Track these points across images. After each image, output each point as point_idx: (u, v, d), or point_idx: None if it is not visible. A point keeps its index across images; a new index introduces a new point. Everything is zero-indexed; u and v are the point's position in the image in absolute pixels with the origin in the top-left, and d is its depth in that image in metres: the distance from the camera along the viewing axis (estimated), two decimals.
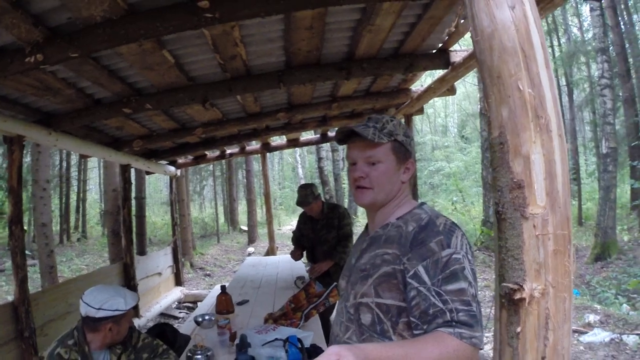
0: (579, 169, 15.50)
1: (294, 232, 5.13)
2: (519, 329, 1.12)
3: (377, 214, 1.56)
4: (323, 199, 5.39)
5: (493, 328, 1.42)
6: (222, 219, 23.65)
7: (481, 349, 1.27)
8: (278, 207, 30.12)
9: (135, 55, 3.13)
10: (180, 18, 2.46)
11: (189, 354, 2.77)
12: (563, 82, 15.52)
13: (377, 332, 1.39)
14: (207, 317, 3.67)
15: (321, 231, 4.69)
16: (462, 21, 3.52)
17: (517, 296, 1.11)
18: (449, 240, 1.35)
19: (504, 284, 1.13)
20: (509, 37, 1.13)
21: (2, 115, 3.71)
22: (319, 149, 17.90)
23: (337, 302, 1.74)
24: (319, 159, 18.05)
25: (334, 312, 1.79)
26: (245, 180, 24.41)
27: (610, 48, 11.40)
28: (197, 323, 3.70)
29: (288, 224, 22.63)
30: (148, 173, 8.53)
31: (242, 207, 25.50)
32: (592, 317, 5.58)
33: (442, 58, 4.17)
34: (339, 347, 1.12)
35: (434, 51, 4.18)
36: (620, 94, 11.81)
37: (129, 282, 6.50)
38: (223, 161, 17.73)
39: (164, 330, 4.09)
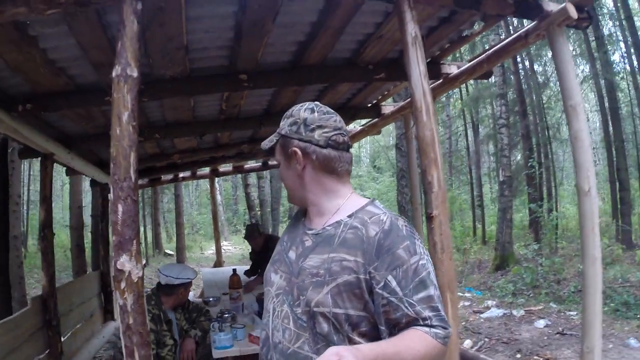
0: (482, 195, 17.83)
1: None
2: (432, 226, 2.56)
3: (311, 210, 1.53)
4: (259, 229, 6.75)
5: None
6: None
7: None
8: (197, 232, 30.85)
9: (171, 101, 4.39)
10: (226, 84, 3.81)
11: (219, 314, 4.07)
12: (469, 119, 18.15)
13: (334, 342, 1.32)
14: (212, 298, 5.08)
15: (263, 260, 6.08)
16: (392, 87, 5.22)
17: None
18: (414, 245, 1.34)
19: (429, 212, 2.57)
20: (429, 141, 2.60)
21: (41, 135, 4.72)
22: (245, 177, 19.07)
23: (268, 300, 1.51)
24: (246, 185, 19.10)
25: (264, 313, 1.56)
26: (168, 205, 25.35)
27: (510, 92, 13.68)
28: (206, 303, 4.96)
29: (209, 248, 23.42)
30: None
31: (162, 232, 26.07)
32: (490, 302, 7.30)
33: (375, 110, 5.94)
34: (339, 348, 1.15)
35: (369, 105, 5.85)
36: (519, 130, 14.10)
37: (106, 288, 7.42)
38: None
39: None
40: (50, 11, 2.49)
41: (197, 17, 3.04)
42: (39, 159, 5.10)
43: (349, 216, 1.42)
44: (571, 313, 6.80)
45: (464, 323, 6.70)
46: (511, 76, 13.46)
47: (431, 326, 1.28)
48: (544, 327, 6.31)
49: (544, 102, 15.20)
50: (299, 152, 1.45)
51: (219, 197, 32.59)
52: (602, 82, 12.89)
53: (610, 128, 12.90)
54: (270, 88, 4.44)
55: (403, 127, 11.78)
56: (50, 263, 5.00)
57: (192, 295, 7.00)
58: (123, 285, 2.00)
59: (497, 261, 11.62)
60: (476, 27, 4.16)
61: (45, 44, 3.19)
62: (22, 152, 5.50)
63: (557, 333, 6.10)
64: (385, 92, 5.57)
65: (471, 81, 19.32)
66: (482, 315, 6.91)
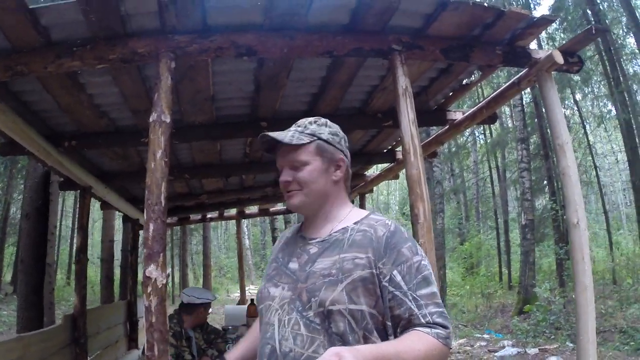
0: (509, 240, 17.87)
1: None
2: None
3: (319, 217, 1.58)
4: None
5: None
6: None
7: (450, 349, 1.36)
8: (224, 275, 31.32)
9: (199, 144, 4.94)
10: (248, 130, 4.36)
11: (234, 338, 4.53)
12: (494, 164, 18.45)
13: (349, 342, 1.34)
14: (230, 327, 5.58)
15: None
16: None
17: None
18: (416, 247, 1.47)
19: None
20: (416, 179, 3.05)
21: (82, 169, 5.31)
22: (273, 222, 19.66)
23: (271, 314, 1.49)
24: (273, 230, 19.67)
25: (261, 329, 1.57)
26: (196, 247, 26.14)
27: (536, 135, 13.97)
28: (225, 330, 5.39)
29: (235, 291, 23.84)
30: (141, 228, 10.03)
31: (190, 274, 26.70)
32: (506, 342, 7.50)
33: (390, 155, 6.33)
34: (339, 348, 1.15)
35: (385, 150, 6.27)
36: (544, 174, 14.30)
37: (132, 317, 7.90)
38: (177, 228, 19.39)
39: None
40: (100, 66, 3.09)
41: (221, 72, 3.61)
42: (73, 193, 5.69)
43: (355, 223, 1.53)
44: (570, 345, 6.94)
45: None
46: (535, 119, 13.80)
47: (432, 326, 1.33)
48: None
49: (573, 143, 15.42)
50: (345, 164, 1.62)
51: (247, 242, 33.27)
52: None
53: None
54: None
55: (426, 172, 12.29)
56: (83, 285, 5.52)
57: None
58: (149, 289, 2.51)
59: (519, 304, 11.70)
60: (475, 76, 4.62)
61: (92, 91, 3.80)
62: (62, 185, 6.14)
63: None
64: (399, 138, 6.02)
65: (495, 126, 19.78)
66: (496, 354, 7.10)
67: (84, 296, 5.52)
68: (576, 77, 15.68)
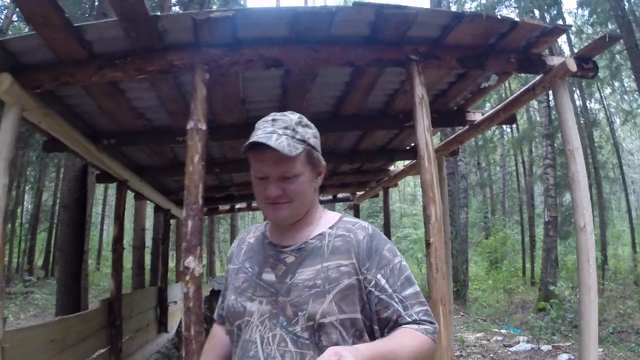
0: (534, 235, 17.86)
1: None
2: (429, 250, 3.21)
3: (294, 225, 1.47)
4: None
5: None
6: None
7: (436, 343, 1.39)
8: None
9: (230, 142, 5.26)
10: None
11: None
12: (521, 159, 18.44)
13: None
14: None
15: None
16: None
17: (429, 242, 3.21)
18: (394, 248, 1.46)
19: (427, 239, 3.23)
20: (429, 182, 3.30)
21: (119, 164, 5.69)
22: None
23: (251, 331, 1.39)
24: None
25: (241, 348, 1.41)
26: (224, 235, 26.83)
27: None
28: None
29: None
30: (172, 218, 10.47)
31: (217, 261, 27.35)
32: (521, 338, 7.67)
33: (413, 152, 6.50)
34: (338, 347, 1.14)
35: (407, 147, 6.49)
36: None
37: (162, 303, 8.33)
38: (205, 217, 19.97)
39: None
40: (140, 76, 3.41)
41: (251, 79, 3.92)
42: (104, 184, 6.09)
43: (331, 228, 1.47)
44: (599, 350, 7.07)
45: (492, 355, 7.10)
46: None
47: (420, 323, 1.36)
48: None
49: (596, 141, 15.38)
50: (325, 171, 1.52)
51: None
52: None
53: None
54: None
55: (451, 167, 12.40)
56: (119, 272, 5.93)
57: None
58: (187, 278, 2.84)
59: (540, 301, 11.79)
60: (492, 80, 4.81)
61: (130, 95, 4.14)
62: (99, 178, 6.55)
63: None
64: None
65: (522, 119, 19.72)
66: (510, 349, 7.30)
67: (120, 282, 5.93)
68: (605, 72, 15.62)
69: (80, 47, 3.21)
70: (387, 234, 9.94)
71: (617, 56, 13.91)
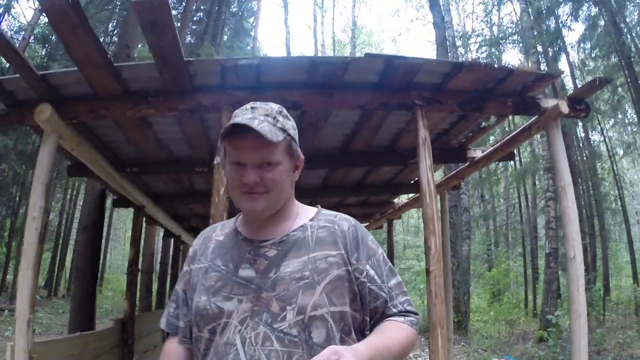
0: (537, 267, 18.05)
1: None
2: (429, 278, 3.53)
3: (271, 219, 1.40)
4: None
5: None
6: None
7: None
8: None
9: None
10: None
11: None
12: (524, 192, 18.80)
13: None
14: None
15: None
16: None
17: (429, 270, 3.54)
18: (374, 240, 1.47)
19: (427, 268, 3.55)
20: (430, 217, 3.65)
21: (139, 191, 6.05)
22: None
23: (229, 333, 1.28)
24: None
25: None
26: None
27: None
28: None
29: None
30: (183, 244, 10.80)
31: None
32: None
33: (416, 186, 6.89)
34: (337, 347, 1.13)
35: (412, 182, 6.87)
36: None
37: None
38: None
39: None
40: (171, 114, 3.80)
41: None
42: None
43: (311, 220, 1.43)
44: None
45: None
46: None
47: (405, 314, 1.39)
48: None
49: (599, 172, 15.71)
50: (302, 165, 1.47)
51: None
52: None
53: None
54: (324, 169, 5.66)
55: (454, 199, 12.73)
56: (133, 293, 6.26)
57: None
58: None
59: (541, 332, 11.96)
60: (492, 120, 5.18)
61: (157, 128, 4.53)
62: (116, 202, 6.92)
63: None
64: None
65: (525, 152, 20.10)
66: None
67: (134, 303, 6.24)
68: (603, 107, 16.07)
69: (117, 84, 3.61)
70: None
71: (620, 89, 14.27)
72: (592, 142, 16.97)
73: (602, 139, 17.67)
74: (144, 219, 7.14)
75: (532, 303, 16.57)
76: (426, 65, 3.72)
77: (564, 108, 4.17)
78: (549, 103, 4.33)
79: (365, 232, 1.45)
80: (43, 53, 16.58)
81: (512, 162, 18.84)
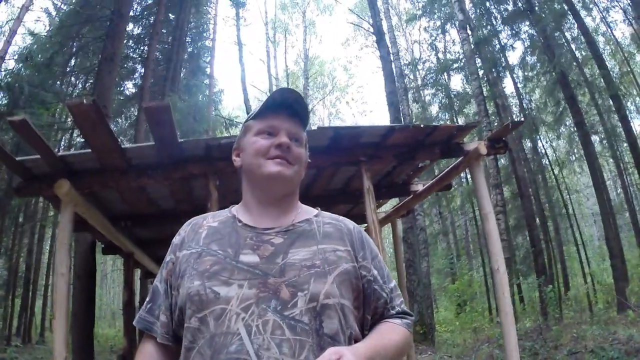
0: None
1: None
2: None
3: (279, 206, 1.40)
4: None
5: None
6: None
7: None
8: None
9: None
10: None
11: None
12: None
13: (340, 343, 1.22)
14: None
15: None
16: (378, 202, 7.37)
17: None
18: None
19: None
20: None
21: (129, 240, 6.98)
22: None
23: (230, 322, 1.19)
24: None
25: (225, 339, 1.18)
26: None
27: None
28: None
29: None
30: None
31: None
32: None
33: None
34: (338, 347, 1.14)
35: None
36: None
37: None
38: None
39: None
40: (166, 182, 4.81)
41: None
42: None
43: (316, 216, 1.44)
44: None
45: None
46: (510, 166, 15.62)
47: (402, 317, 1.41)
48: None
49: (548, 181, 17.24)
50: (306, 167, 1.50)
51: None
52: None
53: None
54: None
55: (409, 222, 13.87)
56: (130, 330, 7.14)
57: None
58: None
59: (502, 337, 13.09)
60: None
61: (149, 190, 5.52)
62: (105, 250, 7.81)
63: None
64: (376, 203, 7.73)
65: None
66: None
67: (131, 339, 7.11)
68: (549, 118, 17.77)
69: (122, 161, 4.60)
70: None
71: (563, 102, 15.76)
72: (539, 152, 18.47)
73: (548, 148, 19.32)
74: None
75: (495, 310, 17.82)
76: (367, 131, 4.85)
77: (483, 150, 5.18)
78: (470, 146, 5.33)
79: (367, 235, 1.47)
80: (5, 101, 17.05)
81: (465, 179, 20.37)
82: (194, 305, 1.24)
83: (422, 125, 5.07)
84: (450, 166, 6.03)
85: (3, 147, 4.56)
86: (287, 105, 1.41)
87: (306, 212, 1.46)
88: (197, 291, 1.24)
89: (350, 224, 1.45)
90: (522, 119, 16.33)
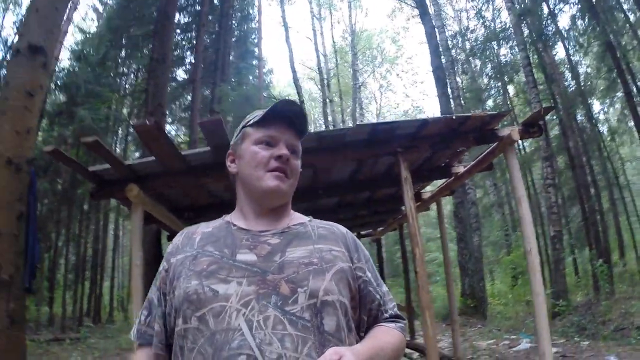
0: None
1: None
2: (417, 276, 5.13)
3: (274, 212, 1.46)
4: None
5: None
6: None
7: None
8: None
9: None
10: (309, 194, 6.63)
11: None
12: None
13: (341, 341, 1.26)
14: None
15: None
16: (423, 183, 7.79)
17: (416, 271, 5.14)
18: None
19: (415, 270, 5.15)
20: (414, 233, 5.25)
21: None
22: None
23: (230, 318, 1.21)
24: None
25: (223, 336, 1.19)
26: None
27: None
28: None
29: None
30: None
31: None
32: (523, 340, 9.42)
33: (417, 196, 8.40)
34: (339, 347, 1.17)
35: None
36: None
37: None
38: None
39: None
40: (223, 183, 5.42)
41: None
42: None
43: (310, 221, 1.50)
44: (584, 343, 8.74)
45: (497, 355, 8.81)
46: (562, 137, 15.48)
47: (395, 320, 1.47)
48: (554, 353, 8.19)
49: (602, 151, 17.05)
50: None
51: None
52: None
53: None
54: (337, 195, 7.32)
55: (460, 196, 14.14)
56: None
57: None
58: None
59: (553, 309, 13.32)
60: None
61: (209, 185, 6.16)
62: (169, 237, 8.58)
63: (561, 356, 8.08)
64: (420, 185, 8.11)
65: (528, 142, 21.36)
66: (513, 349, 9.06)
67: None
68: (602, 85, 17.41)
69: (182, 164, 5.22)
70: (405, 264, 11.78)
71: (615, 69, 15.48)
72: (593, 121, 18.18)
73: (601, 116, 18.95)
74: None
75: (549, 282, 17.86)
76: (402, 125, 5.29)
77: (516, 136, 5.46)
78: (504, 132, 5.59)
79: (357, 239, 1.52)
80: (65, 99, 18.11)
81: (519, 149, 20.24)
82: (192, 304, 1.25)
83: (454, 117, 5.41)
84: (486, 151, 6.34)
85: (79, 162, 5.26)
86: (286, 116, 1.45)
87: (299, 217, 1.52)
88: (195, 290, 1.26)
89: (342, 228, 1.52)
90: (574, 87, 16.21)
